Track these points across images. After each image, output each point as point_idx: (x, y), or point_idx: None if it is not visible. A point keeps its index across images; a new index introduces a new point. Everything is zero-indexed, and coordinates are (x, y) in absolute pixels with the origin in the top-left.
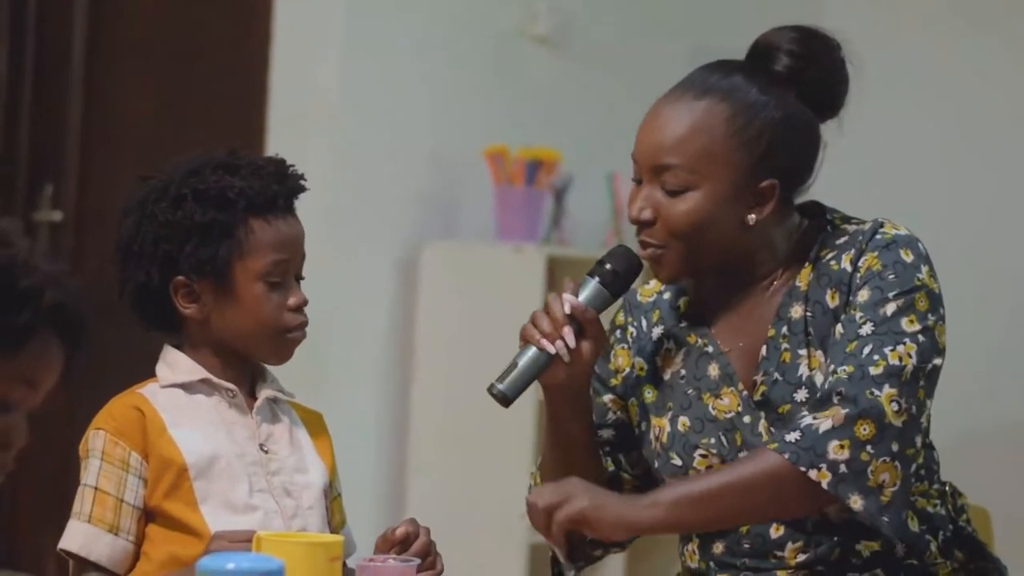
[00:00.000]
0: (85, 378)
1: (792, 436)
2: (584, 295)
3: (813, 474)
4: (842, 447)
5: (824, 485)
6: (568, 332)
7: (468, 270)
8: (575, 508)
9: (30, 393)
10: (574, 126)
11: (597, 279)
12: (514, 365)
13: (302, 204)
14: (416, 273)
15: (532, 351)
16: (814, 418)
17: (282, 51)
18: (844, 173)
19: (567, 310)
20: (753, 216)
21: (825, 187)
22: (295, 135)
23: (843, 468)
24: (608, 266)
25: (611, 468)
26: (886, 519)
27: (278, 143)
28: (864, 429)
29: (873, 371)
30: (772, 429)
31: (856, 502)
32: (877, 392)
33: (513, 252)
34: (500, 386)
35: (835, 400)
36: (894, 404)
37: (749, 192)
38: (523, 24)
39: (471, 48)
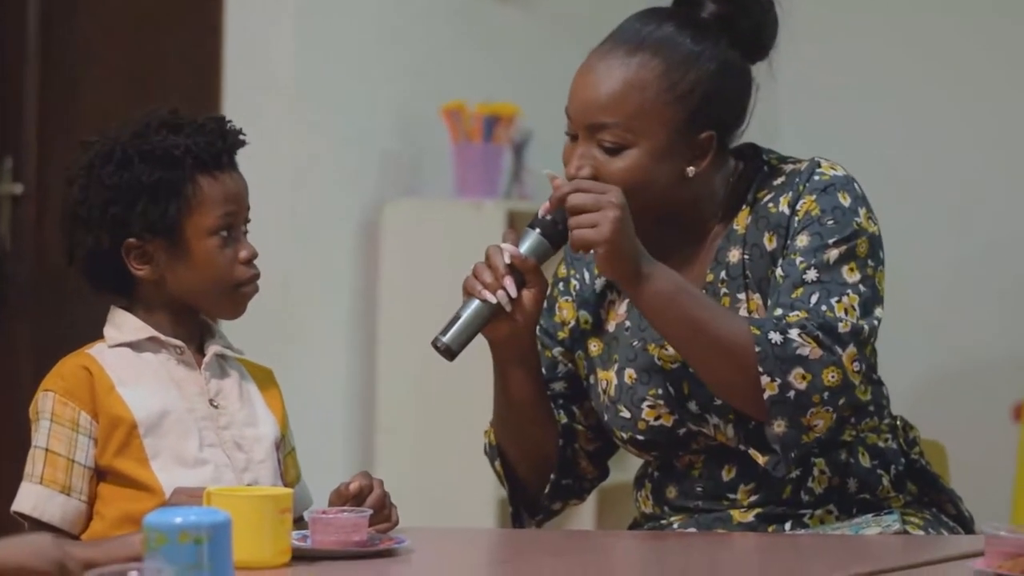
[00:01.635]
0: (56, 348)
1: (775, 337)
2: (525, 245)
3: (764, 380)
4: (804, 378)
5: (765, 396)
6: (509, 282)
7: (429, 228)
8: (604, 232)
9: None
10: (532, 80)
11: (538, 229)
12: (457, 317)
13: (263, 167)
14: (378, 232)
15: (475, 303)
16: (799, 335)
17: (237, 14)
18: (781, 110)
19: (507, 260)
20: (692, 168)
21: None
22: (253, 99)
23: (791, 394)
24: (548, 216)
25: (564, 420)
26: (793, 455)
27: (235, 107)
28: (832, 376)
29: (841, 328)
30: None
31: (780, 426)
32: (840, 351)
33: (473, 208)
34: (444, 339)
35: (811, 339)
36: (855, 364)
37: (686, 145)
38: None
39: (427, 4)
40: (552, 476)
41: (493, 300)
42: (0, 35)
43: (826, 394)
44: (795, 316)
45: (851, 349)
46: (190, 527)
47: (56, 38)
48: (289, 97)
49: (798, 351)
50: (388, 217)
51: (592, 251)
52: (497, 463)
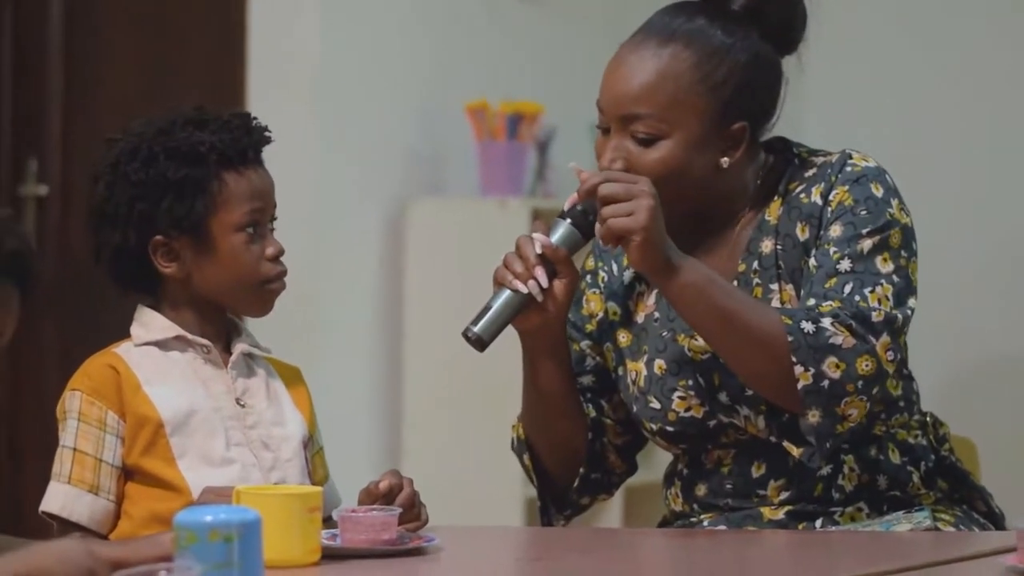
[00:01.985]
0: (81, 349)
1: (807, 326)
2: (556, 235)
3: (798, 370)
4: (838, 367)
5: (799, 385)
6: (540, 272)
7: (454, 226)
8: (641, 220)
9: None
10: (555, 78)
11: (568, 220)
12: (488, 308)
13: (287, 166)
14: (403, 230)
15: (506, 293)
16: (832, 324)
17: (260, 12)
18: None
19: (538, 250)
20: (726, 159)
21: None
22: (277, 97)
23: (825, 383)
24: (579, 207)
25: (593, 414)
26: (828, 445)
27: (260, 105)
28: (866, 365)
29: (875, 318)
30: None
31: (814, 416)
32: (874, 340)
33: (498, 206)
34: (475, 329)
35: (845, 328)
36: (889, 353)
37: (720, 136)
38: None
39: (450, 3)
40: (581, 470)
41: (524, 290)
42: (23, 37)
43: (860, 383)
44: (828, 306)
45: (885, 338)
46: (220, 525)
47: (79, 39)
48: (312, 96)
49: (831, 340)
50: (413, 215)
51: (622, 243)
52: (526, 457)
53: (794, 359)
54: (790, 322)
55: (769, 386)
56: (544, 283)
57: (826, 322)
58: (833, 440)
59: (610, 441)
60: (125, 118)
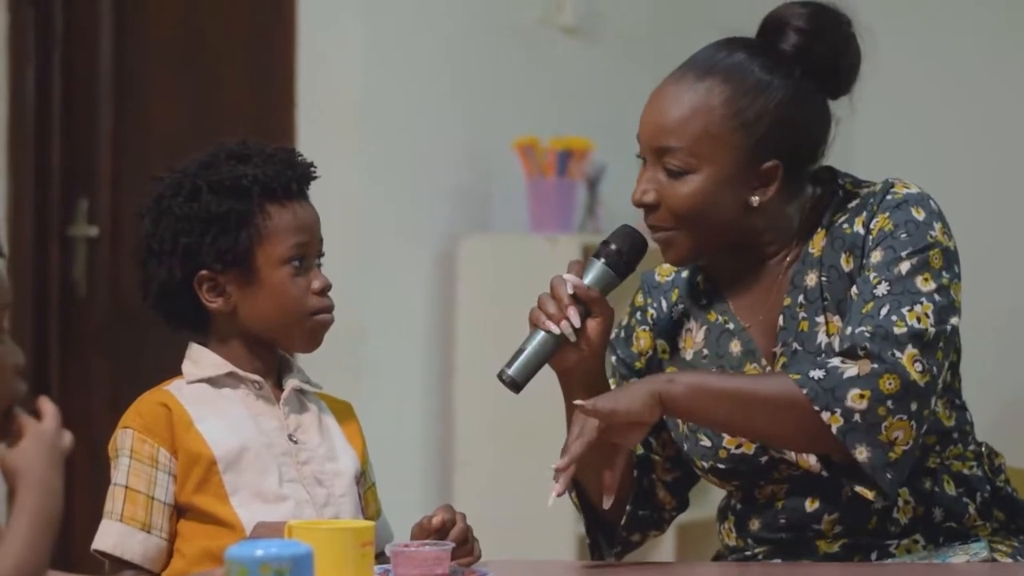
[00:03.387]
0: (133, 387)
1: (816, 373)
2: (589, 276)
3: (825, 416)
4: (862, 397)
5: (833, 430)
6: (573, 312)
7: (504, 263)
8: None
9: None
10: (605, 114)
11: (602, 260)
12: (522, 350)
13: (337, 203)
14: (454, 268)
15: (540, 334)
16: (842, 362)
17: (306, 54)
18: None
19: (570, 291)
20: (757, 198)
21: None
22: (325, 137)
23: (857, 418)
24: (612, 246)
25: (641, 451)
26: (889, 476)
27: (309, 146)
28: (889, 384)
29: (896, 331)
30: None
31: (862, 453)
32: (899, 353)
33: (547, 243)
34: (509, 371)
35: (860, 354)
36: (917, 364)
37: (751, 174)
38: (550, 14)
39: (497, 40)
40: (628, 507)
41: (557, 331)
42: (72, 79)
43: (890, 403)
44: (858, 332)
45: (911, 350)
46: (272, 559)
47: (127, 80)
48: (360, 133)
49: (845, 375)
50: (463, 252)
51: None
52: (573, 494)
53: (816, 408)
54: (799, 376)
55: (808, 445)
56: (576, 323)
57: (835, 362)
58: (893, 470)
59: (659, 478)
60: (174, 158)
